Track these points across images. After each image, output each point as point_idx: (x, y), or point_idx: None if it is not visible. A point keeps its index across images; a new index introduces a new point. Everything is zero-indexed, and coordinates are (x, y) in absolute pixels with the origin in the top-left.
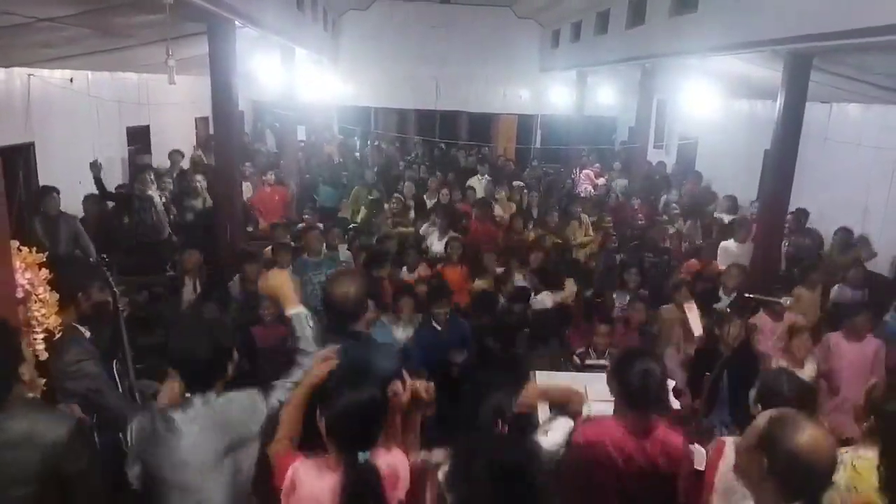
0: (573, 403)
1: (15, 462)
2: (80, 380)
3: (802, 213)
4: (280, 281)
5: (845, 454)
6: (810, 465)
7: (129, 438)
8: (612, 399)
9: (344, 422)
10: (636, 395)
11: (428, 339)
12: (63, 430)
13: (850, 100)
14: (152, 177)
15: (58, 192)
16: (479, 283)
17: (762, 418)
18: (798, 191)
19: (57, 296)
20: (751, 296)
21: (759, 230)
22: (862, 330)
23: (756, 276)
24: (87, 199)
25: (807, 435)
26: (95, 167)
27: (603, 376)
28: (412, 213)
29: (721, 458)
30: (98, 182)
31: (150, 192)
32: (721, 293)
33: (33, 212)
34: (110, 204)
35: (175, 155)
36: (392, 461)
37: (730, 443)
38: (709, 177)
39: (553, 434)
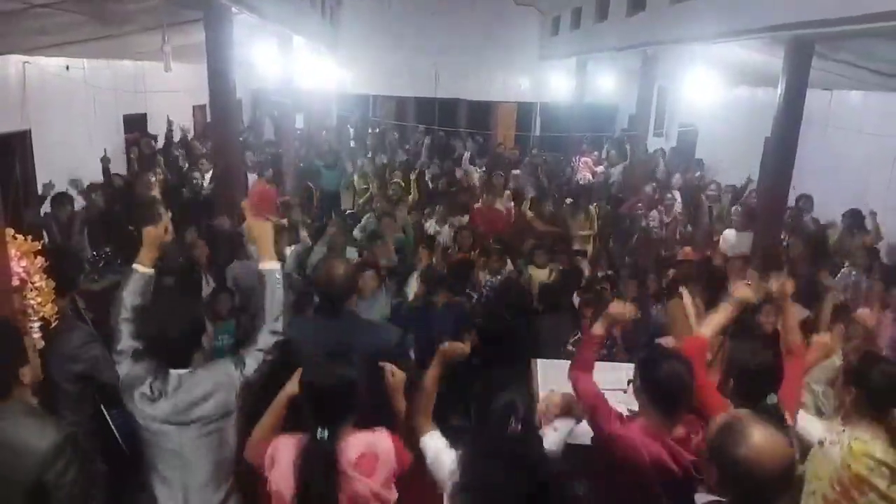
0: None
1: (6, 468)
2: (85, 361)
3: (806, 201)
4: (262, 231)
5: (843, 433)
6: (760, 471)
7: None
8: (616, 389)
9: (307, 398)
10: (663, 398)
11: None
12: (49, 441)
13: (851, 87)
14: (154, 179)
15: (72, 204)
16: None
17: (712, 425)
18: (799, 178)
19: (52, 284)
20: (750, 283)
21: (758, 217)
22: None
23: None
24: (90, 188)
25: (755, 440)
26: (105, 160)
27: (604, 365)
28: (410, 199)
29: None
30: (106, 173)
31: (153, 195)
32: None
33: (36, 200)
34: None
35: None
36: (371, 442)
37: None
38: (709, 164)
39: (556, 433)
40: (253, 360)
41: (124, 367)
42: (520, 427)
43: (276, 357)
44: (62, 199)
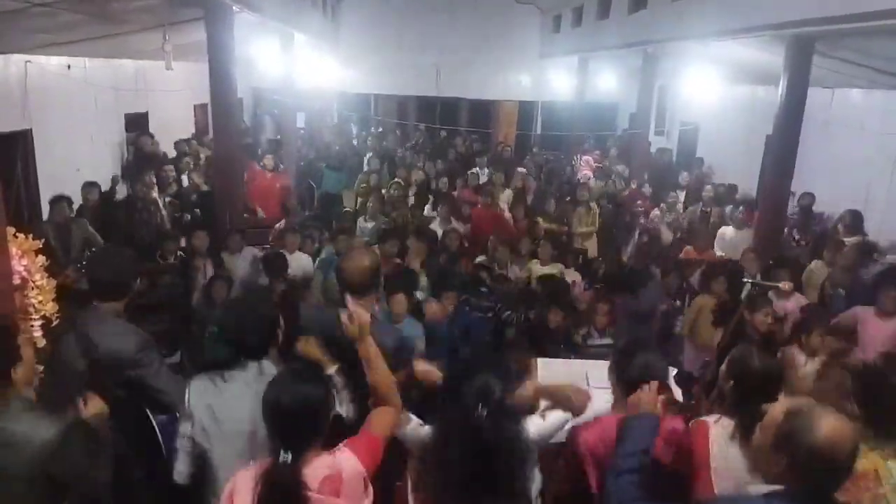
0: (576, 403)
1: (8, 462)
2: (143, 367)
3: (809, 199)
4: (309, 349)
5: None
6: (833, 458)
7: (187, 398)
8: (606, 387)
9: (268, 420)
10: (635, 388)
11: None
12: (53, 432)
13: (852, 85)
14: (153, 178)
15: (70, 202)
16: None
17: (777, 412)
18: (800, 176)
19: (53, 282)
20: (749, 281)
21: (760, 216)
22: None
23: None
24: (87, 186)
25: (827, 428)
26: (115, 181)
27: (603, 363)
28: (411, 200)
29: (708, 441)
30: (111, 193)
31: (154, 195)
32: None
33: (38, 199)
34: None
35: (182, 145)
36: (334, 463)
37: (713, 424)
38: (710, 162)
39: (545, 422)
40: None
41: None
42: (489, 410)
43: None
44: (60, 201)
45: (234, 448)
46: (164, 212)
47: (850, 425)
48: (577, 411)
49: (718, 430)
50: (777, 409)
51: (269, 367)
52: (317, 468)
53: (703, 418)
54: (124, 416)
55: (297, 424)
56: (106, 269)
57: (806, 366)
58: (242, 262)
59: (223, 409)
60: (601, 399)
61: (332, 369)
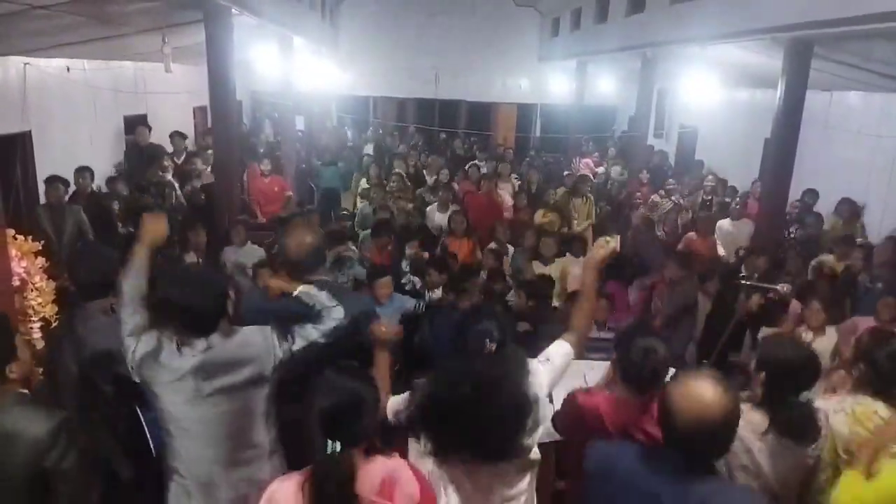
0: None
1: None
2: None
3: (812, 196)
4: (275, 283)
5: (846, 401)
6: (694, 421)
7: (132, 353)
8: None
9: (315, 419)
10: (634, 373)
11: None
12: (46, 427)
13: (850, 88)
14: (168, 163)
15: (65, 184)
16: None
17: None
18: (798, 179)
19: (53, 284)
20: (747, 282)
21: (759, 217)
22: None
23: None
24: (80, 171)
25: (692, 392)
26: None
27: (599, 364)
28: (411, 192)
29: None
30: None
31: (169, 178)
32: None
33: (37, 201)
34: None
35: (177, 139)
36: (392, 469)
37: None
38: (709, 165)
39: (554, 361)
40: (304, 337)
41: (142, 345)
42: (493, 349)
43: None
44: (55, 182)
45: (176, 412)
46: (178, 192)
47: (718, 392)
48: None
49: (742, 424)
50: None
51: (217, 338)
52: (374, 469)
53: None
54: (114, 413)
55: (344, 419)
56: (87, 269)
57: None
58: (247, 256)
59: (164, 381)
60: None
61: (302, 287)
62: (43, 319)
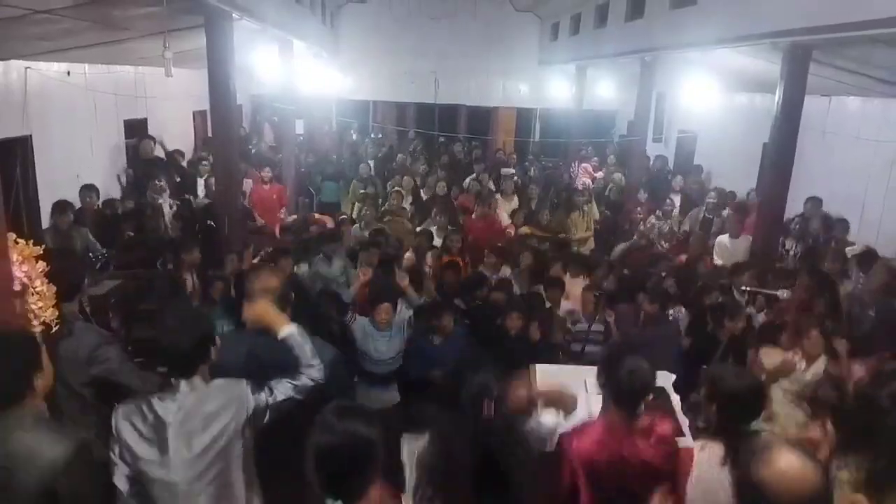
0: (565, 405)
1: (13, 478)
2: (101, 363)
3: (814, 204)
4: (262, 309)
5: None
6: (779, 493)
7: (114, 429)
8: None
9: (313, 464)
10: (622, 394)
11: (423, 352)
12: (63, 450)
13: (849, 93)
14: (163, 183)
15: (73, 208)
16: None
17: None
18: (797, 184)
19: (54, 288)
20: (747, 289)
21: (757, 223)
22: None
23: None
24: (85, 189)
25: (781, 465)
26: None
27: (586, 369)
28: (409, 209)
29: (692, 465)
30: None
31: (160, 201)
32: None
33: (37, 205)
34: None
35: (175, 157)
36: None
37: (698, 448)
38: (708, 170)
39: (543, 421)
40: (282, 391)
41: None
42: (492, 410)
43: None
44: (63, 207)
45: (169, 479)
46: (167, 219)
47: (807, 462)
48: (568, 410)
49: (703, 456)
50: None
51: (200, 384)
52: None
53: (689, 445)
54: (99, 417)
55: (347, 466)
56: (51, 272)
57: (806, 372)
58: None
59: (154, 454)
60: (600, 404)
61: (290, 328)
62: (43, 324)
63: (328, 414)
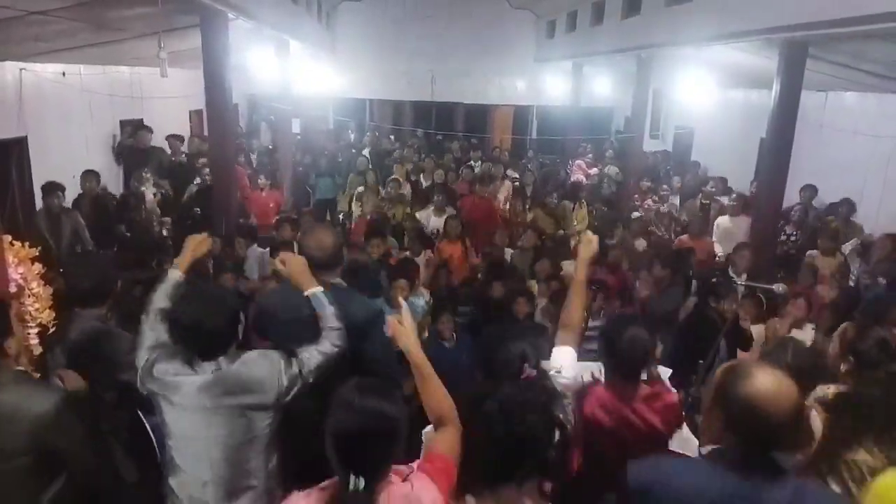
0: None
1: (2, 436)
2: (133, 369)
3: (811, 192)
4: (300, 264)
5: (828, 390)
6: (765, 412)
7: (144, 365)
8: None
9: (334, 445)
10: (622, 361)
11: (436, 356)
12: (49, 404)
13: (846, 88)
14: (148, 174)
15: (63, 191)
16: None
17: (718, 371)
18: (794, 179)
19: (50, 290)
20: (743, 283)
21: (755, 217)
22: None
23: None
24: (86, 174)
25: (760, 382)
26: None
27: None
28: (408, 198)
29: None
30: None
31: (143, 189)
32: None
33: (33, 206)
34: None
35: (174, 142)
36: (413, 494)
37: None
38: (705, 166)
39: (564, 372)
40: (307, 361)
41: (154, 358)
42: (534, 373)
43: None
44: (52, 188)
45: (180, 433)
46: (148, 208)
47: (787, 382)
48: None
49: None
50: (720, 368)
51: (226, 364)
52: (395, 497)
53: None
54: (118, 419)
55: (368, 446)
56: (84, 275)
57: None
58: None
59: (169, 401)
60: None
61: (318, 288)
62: (40, 325)
63: (348, 391)
